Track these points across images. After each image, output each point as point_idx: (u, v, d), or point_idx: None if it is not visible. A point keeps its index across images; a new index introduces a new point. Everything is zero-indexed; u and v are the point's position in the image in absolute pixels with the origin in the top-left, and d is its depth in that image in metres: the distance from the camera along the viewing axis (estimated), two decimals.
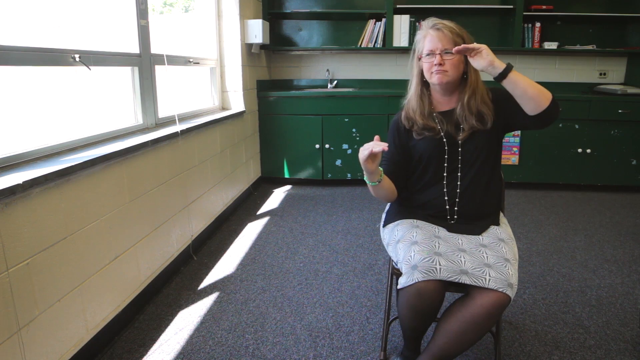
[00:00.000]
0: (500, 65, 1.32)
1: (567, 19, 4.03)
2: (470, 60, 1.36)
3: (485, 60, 1.32)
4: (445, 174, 1.50)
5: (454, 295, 2.03)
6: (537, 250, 2.67)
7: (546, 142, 3.80)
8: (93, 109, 2.08)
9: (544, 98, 1.34)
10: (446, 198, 1.50)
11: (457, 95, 1.51)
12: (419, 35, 1.50)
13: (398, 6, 3.94)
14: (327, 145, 3.93)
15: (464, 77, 1.48)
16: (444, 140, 1.50)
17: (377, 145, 1.27)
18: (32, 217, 1.37)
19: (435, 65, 1.42)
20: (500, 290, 1.24)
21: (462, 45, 1.33)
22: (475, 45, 1.32)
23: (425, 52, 1.44)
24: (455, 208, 1.50)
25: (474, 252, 1.35)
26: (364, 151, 1.30)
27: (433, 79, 1.45)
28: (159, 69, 2.40)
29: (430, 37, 1.43)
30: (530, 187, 3.99)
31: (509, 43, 3.95)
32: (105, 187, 1.74)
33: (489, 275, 1.26)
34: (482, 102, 1.47)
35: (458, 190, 1.49)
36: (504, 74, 1.32)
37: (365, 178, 1.42)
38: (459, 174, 1.50)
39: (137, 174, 1.98)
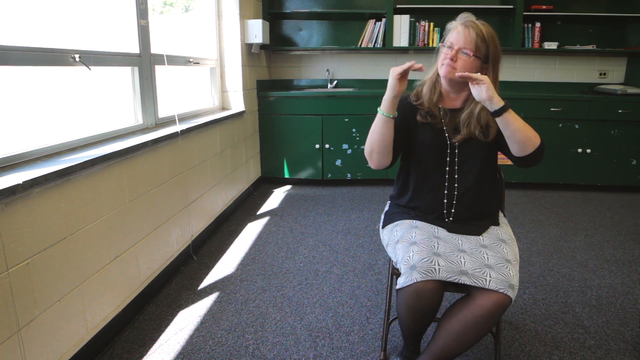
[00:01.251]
0: (498, 102, 1.32)
1: (567, 19, 4.03)
2: (471, 87, 1.35)
3: (484, 94, 1.32)
4: (447, 168, 1.50)
5: (453, 295, 2.03)
6: (537, 250, 2.67)
7: (546, 142, 3.76)
8: (93, 109, 2.08)
9: (530, 145, 1.36)
10: (445, 199, 1.50)
11: (463, 96, 1.50)
12: (449, 25, 1.49)
13: (398, 6, 3.94)
14: (327, 145, 3.93)
15: None
16: (446, 135, 1.50)
17: (416, 64, 1.30)
18: (32, 217, 1.37)
19: (448, 59, 1.41)
20: (501, 291, 1.24)
21: (466, 74, 1.32)
22: (477, 76, 1.32)
23: (447, 43, 1.44)
24: (452, 210, 1.49)
25: (474, 253, 1.35)
26: (398, 68, 1.32)
27: (441, 70, 1.45)
28: (159, 69, 2.40)
29: (457, 31, 1.42)
30: (530, 187, 3.99)
31: (509, 43, 3.95)
32: (105, 187, 1.74)
33: (490, 276, 1.26)
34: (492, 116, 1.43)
35: (456, 193, 1.49)
36: (499, 112, 1.32)
37: (380, 109, 1.41)
38: (456, 175, 1.49)
39: (137, 174, 1.98)
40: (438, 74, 1.51)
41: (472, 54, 1.39)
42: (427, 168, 1.52)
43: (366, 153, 1.51)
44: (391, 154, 1.49)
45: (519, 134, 1.34)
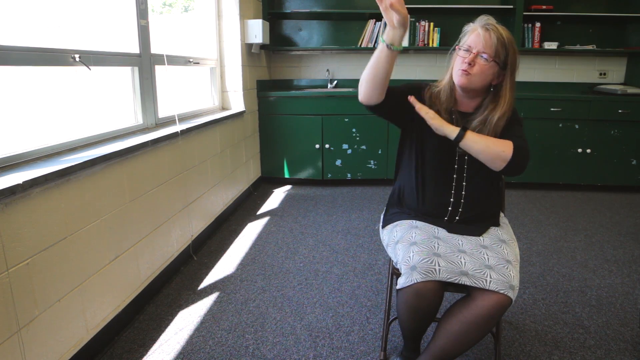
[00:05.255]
0: (452, 132, 1.37)
1: (567, 19, 4.03)
2: (426, 119, 1.40)
3: (434, 127, 1.38)
4: (455, 175, 1.49)
5: (453, 295, 2.03)
6: (537, 250, 2.67)
7: (546, 142, 3.80)
8: (93, 109, 2.08)
9: (500, 160, 1.35)
10: (451, 204, 1.48)
11: (478, 101, 1.46)
12: (467, 27, 1.43)
13: None
14: (327, 145, 3.93)
15: (491, 89, 1.43)
16: None
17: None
18: (32, 217, 1.37)
19: (465, 62, 1.36)
20: (502, 292, 1.23)
21: (415, 103, 1.39)
22: (422, 109, 1.39)
23: (464, 46, 1.39)
24: (457, 217, 1.48)
25: (474, 254, 1.35)
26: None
27: (456, 78, 1.41)
28: (159, 69, 2.40)
29: (476, 34, 1.37)
30: (530, 187, 3.99)
31: None
32: (105, 187, 1.74)
33: (490, 277, 1.25)
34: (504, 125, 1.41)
35: (462, 200, 1.48)
36: (456, 141, 1.38)
37: (383, 38, 1.28)
38: (464, 183, 1.48)
39: (137, 174, 1.98)
40: (453, 80, 1.46)
41: (491, 58, 1.34)
42: (434, 173, 1.50)
43: (360, 83, 1.40)
44: (383, 92, 1.37)
45: (482, 155, 1.37)
